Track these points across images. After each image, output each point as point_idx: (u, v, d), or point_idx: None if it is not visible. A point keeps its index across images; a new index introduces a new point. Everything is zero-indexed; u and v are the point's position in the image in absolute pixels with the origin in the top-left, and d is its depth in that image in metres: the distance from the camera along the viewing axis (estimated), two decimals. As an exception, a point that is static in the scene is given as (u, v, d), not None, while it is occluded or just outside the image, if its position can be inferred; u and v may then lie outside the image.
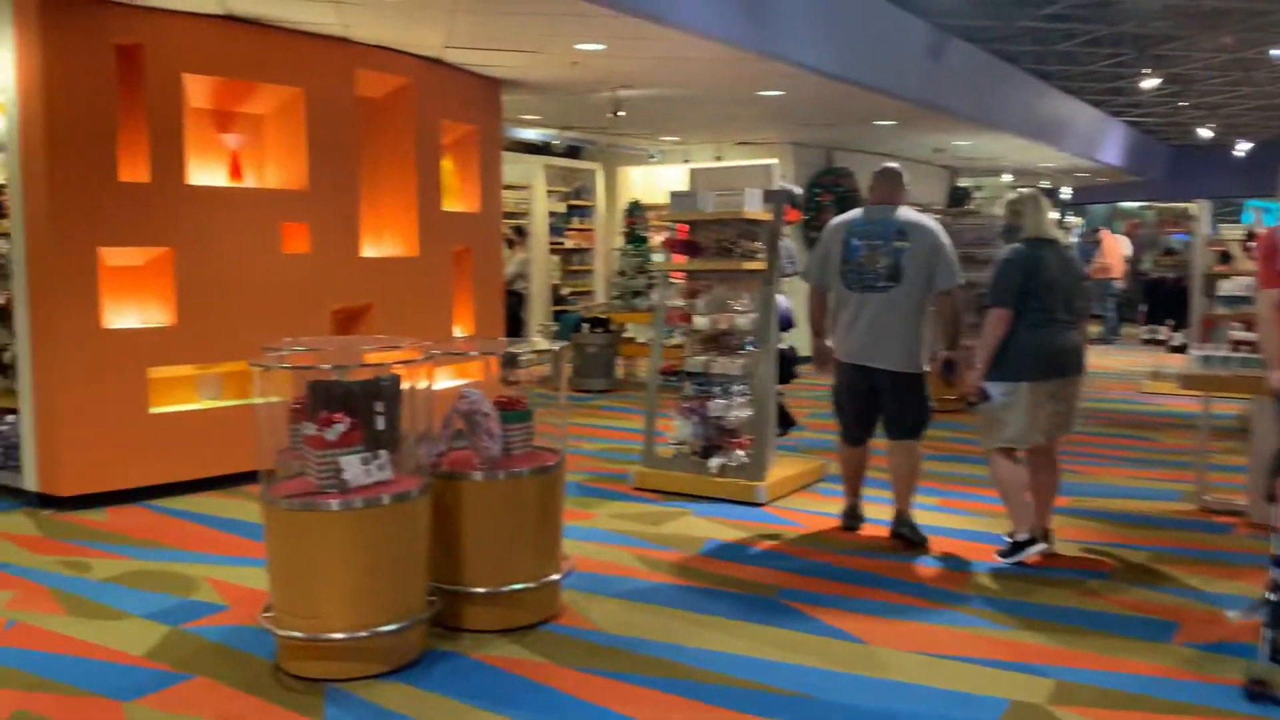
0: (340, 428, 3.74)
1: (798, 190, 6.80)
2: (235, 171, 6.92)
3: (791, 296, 6.72)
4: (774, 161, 7.02)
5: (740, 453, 6.24)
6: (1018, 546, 5.06)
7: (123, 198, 6.11)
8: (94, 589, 4.69)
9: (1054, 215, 5.25)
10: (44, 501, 6.07)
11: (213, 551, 5.27)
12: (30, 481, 6.14)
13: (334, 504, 3.64)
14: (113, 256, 6.18)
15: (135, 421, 6.20)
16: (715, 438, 6.33)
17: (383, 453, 3.86)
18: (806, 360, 6.92)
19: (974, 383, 5.00)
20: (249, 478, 3.92)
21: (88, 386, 6.03)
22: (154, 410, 6.30)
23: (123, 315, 6.31)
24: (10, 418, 6.40)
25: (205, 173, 6.73)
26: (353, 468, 3.75)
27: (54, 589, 4.69)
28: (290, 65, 6.82)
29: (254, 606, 4.24)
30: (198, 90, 6.60)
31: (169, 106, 6.28)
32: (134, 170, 6.20)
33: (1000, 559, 5.09)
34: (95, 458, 6.07)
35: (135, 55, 6.16)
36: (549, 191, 13.92)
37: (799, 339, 6.88)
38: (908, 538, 5.42)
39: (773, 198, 6.41)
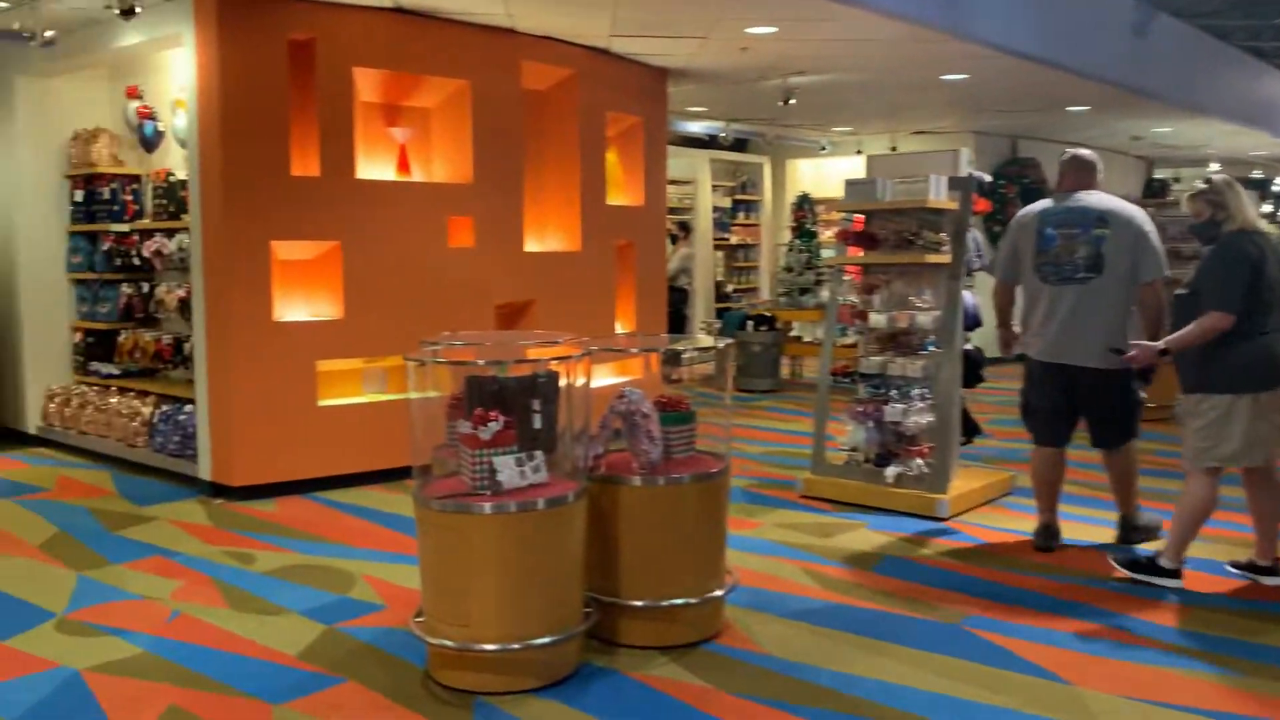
0: (495, 426, 3.55)
1: (986, 177, 6.27)
2: (403, 165, 6.92)
3: (978, 293, 6.20)
4: (960, 149, 6.48)
5: (920, 461, 5.77)
6: (1154, 569, 4.53)
7: (294, 192, 6.16)
8: (256, 582, 4.69)
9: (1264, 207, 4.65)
10: (216, 491, 6.19)
11: (373, 547, 5.22)
12: (205, 470, 6.28)
13: (487, 507, 3.44)
14: (284, 250, 6.25)
15: (304, 414, 6.25)
16: (892, 445, 5.88)
17: (538, 454, 3.65)
18: (994, 361, 6.41)
19: (1148, 358, 4.49)
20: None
21: (259, 378, 6.11)
22: (322, 403, 6.35)
23: (293, 308, 6.38)
24: (189, 407, 6.57)
25: (373, 167, 6.74)
26: (507, 469, 3.55)
27: (218, 580, 4.70)
28: (457, 57, 6.76)
29: (409, 607, 4.12)
30: (367, 84, 6.61)
31: (339, 101, 6.31)
32: (305, 165, 6.24)
33: (1117, 564, 4.65)
34: (265, 449, 6.15)
35: (307, 50, 6.20)
36: (714, 186, 13.63)
37: (986, 338, 6.36)
38: (1142, 540, 5.05)
39: (959, 185, 5.91)
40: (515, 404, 3.68)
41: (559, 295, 7.32)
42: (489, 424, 3.54)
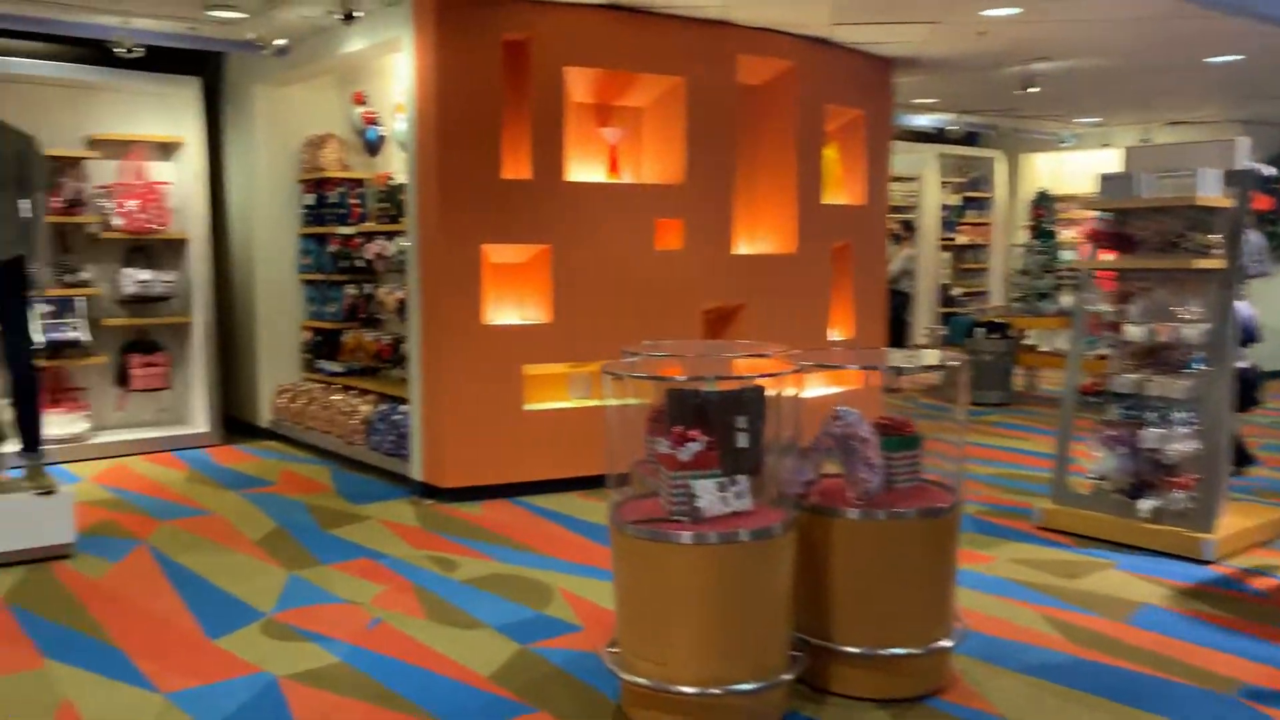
0: (695, 447, 3.25)
1: (1270, 170, 5.43)
2: (613, 167, 6.76)
3: (1257, 302, 5.38)
4: (1236, 139, 5.66)
5: (1181, 494, 5.05)
6: None
7: (506, 195, 6.11)
8: (456, 591, 4.60)
9: None
10: (426, 492, 6.22)
11: (573, 559, 5.05)
12: (416, 471, 6.33)
13: (685, 536, 3.15)
14: (495, 254, 6.22)
15: (510, 418, 6.20)
16: (1148, 474, 5.18)
17: (742, 478, 3.33)
18: (1274, 376, 5.57)
19: None
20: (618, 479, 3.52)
21: (468, 381, 6.10)
22: (527, 407, 6.27)
23: (502, 312, 6.34)
24: (404, 407, 6.66)
25: (583, 168, 6.62)
26: (708, 494, 3.25)
27: (420, 587, 4.65)
28: (671, 53, 6.53)
29: (604, 631, 3.90)
30: (579, 84, 6.49)
31: (552, 102, 6.21)
32: (517, 167, 6.18)
33: None
34: (473, 452, 6.13)
35: (520, 51, 6.13)
36: (942, 183, 12.86)
37: (1263, 355, 5.54)
38: None
39: (1236, 180, 5.14)
40: (718, 421, 3.38)
41: (770, 300, 6.96)
42: (689, 444, 3.25)
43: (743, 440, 3.44)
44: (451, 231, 6.02)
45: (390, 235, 7.11)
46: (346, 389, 7.56)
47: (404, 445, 6.55)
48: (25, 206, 5.08)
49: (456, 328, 6.09)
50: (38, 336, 6.76)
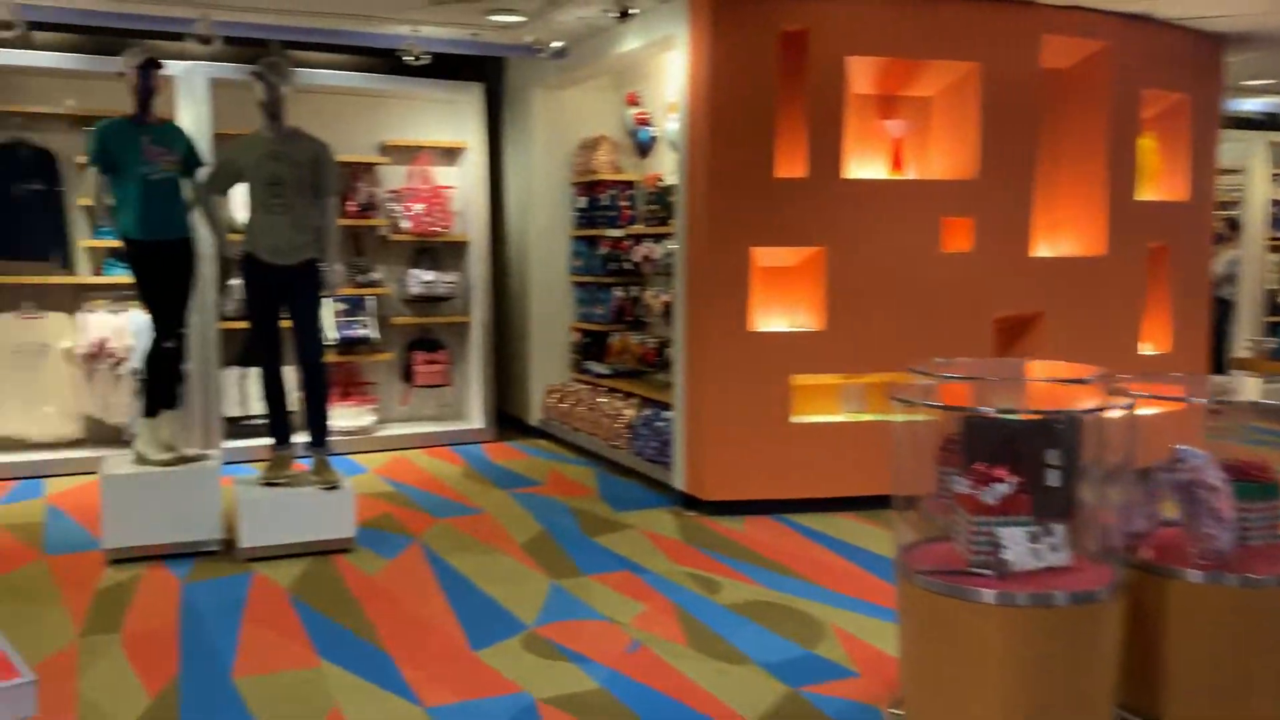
0: (1003, 489, 2.81)
1: None
2: (896, 162, 6.28)
3: None
4: None
5: None
6: None
7: (778, 195, 5.79)
8: (719, 617, 4.34)
9: None
10: (687, 502, 6.03)
11: (845, 590, 4.66)
12: (678, 480, 6.14)
13: (988, 594, 2.71)
14: (764, 257, 5.92)
15: (776, 430, 5.88)
16: None
17: (1058, 527, 2.85)
18: None
19: None
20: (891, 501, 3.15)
21: (732, 389, 5.84)
22: (794, 419, 5.93)
23: (770, 318, 6.03)
24: (666, 413, 6.50)
25: (863, 165, 6.19)
26: (1016, 544, 2.80)
27: (681, 609, 4.43)
28: (964, 37, 5.97)
29: (884, 680, 3.52)
30: (860, 74, 6.06)
31: (830, 95, 5.82)
32: (790, 165, 5.85)
33: None
34: (736, 464, 5.87)
35: (798, 42, 5.79)
36: (1272, 175, 11.30)
37: None
38: None
39: None
40: (1026, 456, 2.91)
41: (1072, 308, 6.24)
42: (995, 485, 2.81)
43: (1054, 479, 2.96)
44: (720, 233, 5.79)
45: (658, 238, 6.97)
46: (612, 391, 7.51)
47: (666, 452, 6.39)
48: (319, 211, 5.30)
49: (722, 333, 5.85)
50: (331, 334, 7.17)
